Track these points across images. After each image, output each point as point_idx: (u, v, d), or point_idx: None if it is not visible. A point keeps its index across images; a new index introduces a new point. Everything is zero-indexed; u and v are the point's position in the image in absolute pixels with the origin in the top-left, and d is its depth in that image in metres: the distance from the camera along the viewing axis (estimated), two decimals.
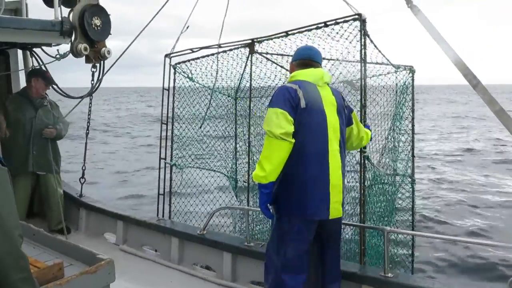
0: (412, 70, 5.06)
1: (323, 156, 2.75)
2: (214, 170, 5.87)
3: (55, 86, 4.91)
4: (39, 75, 4.95)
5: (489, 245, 3.21)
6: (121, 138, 23.51)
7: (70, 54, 4.42)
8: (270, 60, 5.13)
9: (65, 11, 4.37)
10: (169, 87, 5.36)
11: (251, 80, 5.22)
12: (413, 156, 4.97)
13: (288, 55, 4.75)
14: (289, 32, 4.24)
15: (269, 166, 2.66)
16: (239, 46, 4.99)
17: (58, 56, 4.45)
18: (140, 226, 4.81)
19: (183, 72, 5.55)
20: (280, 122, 2.64)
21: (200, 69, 5.50)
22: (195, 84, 5.68)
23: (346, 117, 3.01)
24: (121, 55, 4.83)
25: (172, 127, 5.45)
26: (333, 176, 2.76)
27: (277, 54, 4.95)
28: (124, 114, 39.12)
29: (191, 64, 5.51)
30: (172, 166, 5.33)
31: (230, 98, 5.88)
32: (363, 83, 3.69)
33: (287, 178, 2.77)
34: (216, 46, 5.02)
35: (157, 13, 5.13)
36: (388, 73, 4.83)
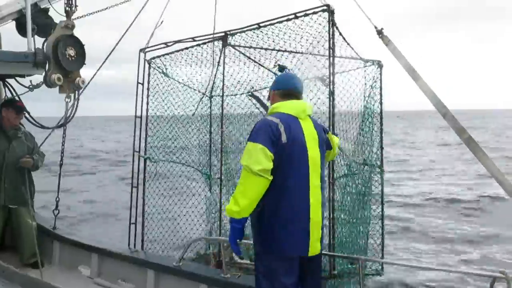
0: (380, 65, 5.12)
1: (304, 192, 2.70)
2: (188, 165, 5.78)
3: (28, 116, 4.86)
4: (10, 105, 4.88)
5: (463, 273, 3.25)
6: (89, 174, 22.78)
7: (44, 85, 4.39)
8: (243, 54, 5.12)
9: (39, 40, 4.38)
10: (143, 81, 5.31)
11: (224, 75, 5.14)
12: (381, 147, 4.99)
13: (261, 48, 4.78)
14: (261, 25, 4.29)
15: (243, 201, 2.59)
16: (212, 39, 4.93)
17: (31, 86, 4.42)
18: (114, 259, 4.70)
19: (158, 67, 5.49)
20: (259, 158, 2.56)
21: (175, 63, 5.47)
22: (169, 80, 5.67)
23: (326, 147, 2.99)
24: (88, 82, 4.75)
25: (146, 122, 5.38)
26: (314, 212, 2.70)
27: (251, 47, 4.92)
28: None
29: (165, 59, 5.46)
30: (145, 160, 5.25)
31: (204, 95, 5.77)
32: (331, 78, 3.76)
33: (266, 214, 2.71)
34: (190, 40, 4.98)
35: (123, 35, 5.19)
36: (357, 68, 4.87)
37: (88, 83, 4.82)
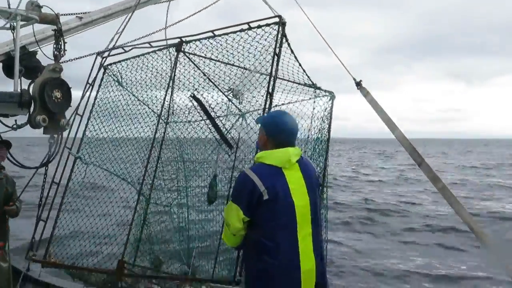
0: (332, 96, 5.20)
1: (291, 245, 2.64)
2: (118, 176, 5.21)
3: (9, 156, 4.82)
4: (2, 142, 4.82)
5: None
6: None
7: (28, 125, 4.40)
8: (196, 65, 4.98)
9: (25, 82, 4.42)
10: (93, 83, 5.05)
11: (172, 89, 4.91)
12: (325, 168, 5.13)
13: (216, 60, 4.69)
14: (216, 33, 4.24)
15: (230, 244, 2.91)
16: (167, 46, 4.78)
17: (15, 126, 4.42)
18: None
19: (113, 75, 5.26)
20: (233, 219, 2.71)
21: (131, 71, 5.22)
22: (123, 92, 5.36)
23: (319, 188, 2.95)
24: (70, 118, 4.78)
25: (87, 123, 5.09)
26: (304, 262, 2.65)
27: (205, 57, 4.76)
28: None
29: (122, 66, 5.23)
30: (75, 160, 4.94)
31: (157, 118, 5.17)
32: (271, 86, 3.82)
33: (255, 272, 2.71)
34: (147, 45, 4.80)
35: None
36: (309, 98, 4.94)
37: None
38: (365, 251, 11.01)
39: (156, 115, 5.28)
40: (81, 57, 5.28)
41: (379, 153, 72.10)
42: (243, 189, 2.69)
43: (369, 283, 8.86)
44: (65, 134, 4.72)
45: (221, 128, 4.81)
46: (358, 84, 4.13)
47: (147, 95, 5.46)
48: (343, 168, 37.53)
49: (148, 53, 4.94)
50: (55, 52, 4.47)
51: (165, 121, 5.25)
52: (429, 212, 16.01)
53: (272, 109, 3.86)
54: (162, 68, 5.06)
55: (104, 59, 5.13)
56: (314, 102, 5.04)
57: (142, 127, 5.38)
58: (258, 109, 4.42)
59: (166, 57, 4.92)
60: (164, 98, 4.91)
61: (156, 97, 5.39)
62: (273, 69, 3.85)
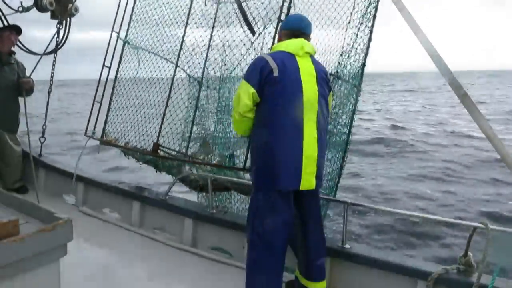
0: None
1: (297, 126, 2.68)
2: (171, 62, 4.65)
3: (19, 43, 4.72)
4: (10, 27, 4.67)
5: (436, 221, 3.38)
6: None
7: (34, 8, 4.24)
8: None
9: None
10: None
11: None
12: (363, 65, 4.21)
13: None
14: None
15: (239, 133, 3.03)
16: None
17: (20, 8, 4.26)
18: (100, 188, 4.74)
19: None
20: (243, 97, 2.71)
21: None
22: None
23: (328, 88, 2.92)
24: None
25: (134, 5, 4.80)
26: (307, 147, 2.69)
27: None
28: None
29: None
30: (124, 44, 4.77)
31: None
32: None
33: (260, 149, 2.78)
34: None
35: None
36: None
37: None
38: None
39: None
40: None
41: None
42: (255, 66, 2.74)
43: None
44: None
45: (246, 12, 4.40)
46: None
47: None
48: None
49: None
50: None
51: None
52: None
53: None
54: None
55: None
56: None
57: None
58: None
59: None
60: None
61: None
62: None
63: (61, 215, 2.22)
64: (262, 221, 2.72)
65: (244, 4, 4.27)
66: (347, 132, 4.06)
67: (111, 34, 4.77)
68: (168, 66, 4.61)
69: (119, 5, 4.75)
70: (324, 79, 2.87)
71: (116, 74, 4.87)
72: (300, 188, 2.70)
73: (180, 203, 4.20)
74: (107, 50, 4.80)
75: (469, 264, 2.83)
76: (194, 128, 4.53)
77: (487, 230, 2.61)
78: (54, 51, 4.61)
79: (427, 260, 4.86)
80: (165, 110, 4.44)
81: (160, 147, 4.43)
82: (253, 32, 4.39)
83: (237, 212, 4.23)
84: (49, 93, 5.18)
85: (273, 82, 2.67)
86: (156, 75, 4.67)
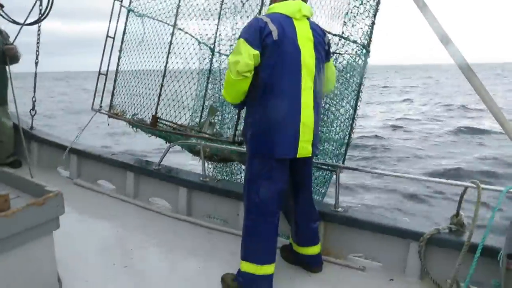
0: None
1: (295, 93, 2.62)
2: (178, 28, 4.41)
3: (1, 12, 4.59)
4: None
5: (429, 181, 3.41)
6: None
7: None
8: None
9: None
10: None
11: None
12: (373, 23, 3.90)
13: None
14: None
15: (228, 98, 2.78)
16: None
17: None
18: (94, 160, 4.73)
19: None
20: (243, 55, 2.54)
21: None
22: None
23: (325, 53, 2.83)
24: None
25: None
26: (305, 115, 2.64)
27: None
28: None
29: None
30: (128, 12, 4.63)
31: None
32: None
33: (256, 115, 2.70)
34: None
35: None
36: None
37: None
38: None
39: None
40: None
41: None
42: (255, 27, 2.60)
43: None
44: None
45: None
46: None
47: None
48: None
49: None
50: None
51: None
52: None
53: None
54: None
55: None
56: None
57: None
58: None
59: None
60: None
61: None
62: None
63: (52, 188, 2.21)
64: (258, 188, 2.71)
65: None
66: (355, 97, 3.95)
67: (114, 2, 4.63)
68: (179, 34, 4.38)
69: None
70: (321, 44, 2.77)
71: (121, 43, 4.76)
72: (297, 156, 2.68)
73: (174, 172, 4.20)
74: (111, 17, 4.69)
75: (461, 223, 2.87)
76: (206, 103, 4.46)
77: (478, 189, 2.62)
78: (38, 20, 4.48)
79: (420, 222, 4.94)
80: (163, 80, 4.31)
81: (159, 120, 4.36)
82: None
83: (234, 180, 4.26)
84: (36, 64, 5.08)
85: (272, 45, 2.57)
86: (164, 43, 4.44)
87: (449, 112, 24.59)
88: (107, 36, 4.73)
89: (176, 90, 4.29)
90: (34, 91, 5.25)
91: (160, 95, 4.32)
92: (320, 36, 2.77)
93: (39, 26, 4.71)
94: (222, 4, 4.23)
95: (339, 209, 3.25)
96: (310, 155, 2.76)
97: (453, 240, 2.78)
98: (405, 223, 3.18)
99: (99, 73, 4.84)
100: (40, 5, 4.35)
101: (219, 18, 4.27)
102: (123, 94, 4.85)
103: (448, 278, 2.65)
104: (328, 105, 3.85)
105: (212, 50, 4.48)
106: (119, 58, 4.77)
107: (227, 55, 4.29)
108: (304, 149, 2.69)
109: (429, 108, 26.89)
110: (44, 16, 4.43)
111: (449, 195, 7.12)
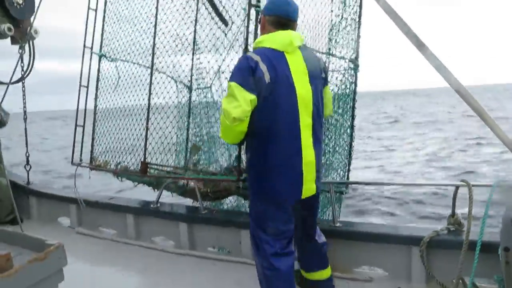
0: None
1: (294, 133, 2.52)
2: (160, 71, 4.40)
3: None
4: None
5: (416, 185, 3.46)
6: None
7: None
8: None
9: None
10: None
11: None
12: (358, 36, 4.02)
13: None
14: None
15: (228, 141, 2.74)
16: None
17: None
18: (93, 207, 4.75)
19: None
20: (238, 101, 2.41)
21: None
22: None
23: (322, 82, 2.73)
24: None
25: (104, 16, 4.65)
26: (306, 153, 2.54)
27: None
28: None
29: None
30: (100, 58, 4.60)
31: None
32: None
33: (256, 160, 2.61)
34: None
35: None
36: None
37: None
38: None
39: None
40: None
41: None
42: (245, 68, 2.46)
43: None
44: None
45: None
46: None
47: None
48: None
49: None
50: None
51: None
52: None
53: None
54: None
55: None
56: None
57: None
58: None
59: None
60: None
61: None
62: None
63: (52, 241, 2.23)
64: (266, 228, 2.63)
65: None
66: (350, 116, 3.92)
67: (84, 50, 4.62)
68: (158, 74, 4.34)
69: (87, 20, 4.63)
70: (317, 73, 2.66)
71: (96, 91, 4.73)
72: (302, 197, 2.61)
73: (172, 208, 4.23)
74: (82, 67, 4.67)
75: (458, 222, 2.91)
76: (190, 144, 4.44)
77: (469, 187, 2.67)
78: (22, 78, 4.56)
79: (421, 225, 4.95)
80: (147, 123, 4.24)
81: (148, 165, 4.26)
82: (225, 23, 4.11)
83: (227, 208, 4.29)
84: (25, 120, 5.14)
85: (265, 88, 2.45)
86: (142, 84, 4.38)
87: None
88: (80, 85, 4.69)
89: (164, 133, 4.22)
90: (27, 146, 5.29)
91: (146, 138, 4.21)
92: (314, 66, 2.65)
93: (23, 83, 4.78)
94: (194, 40, 4.28)
95: (338, 224, 3.29)
96: (315, 193, 2.69)
97: (453, 240, 2.82)
98: (405, 229, 3.22)
99: (76, 125, 4.78)
100: (22, 62, 4.42)
101: (193, 54, 4.29)
102: (104, 143, 4.75)
103: (453, 278, 2.67)
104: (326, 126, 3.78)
105: (190, 88, 4.48)
106: (95, 107, 4.75)
107: (208, 88, 4.32)
108: (309, 189, 2.61)
109: None
110: (27, 73, 4.52)
111: (442, 196, 7.12)
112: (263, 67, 2.44)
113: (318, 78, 2.66)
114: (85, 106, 4.78)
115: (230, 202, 4.47)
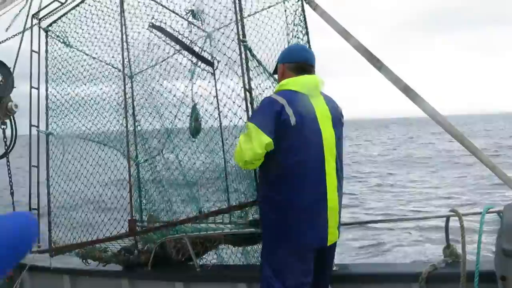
0: None
1: (319, 177, 2.46)
2: (105, 144, 4.29)
3: None
4: None
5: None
6: None
7: None
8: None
9: None
10: (39, 51, 4.34)
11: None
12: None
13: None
14: None
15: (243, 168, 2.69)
16: None
17: None
18: (87, 276, 4.63)
19: (57, 36, 4.46)
20: (255, 144, 2.36)
21: (76, 26, 4.34)
22: (72, 52, 4.43)
23: (342, 125, 2.71)
24: None
25: (47, 95, 4.41)
26: (331, 199, 2.48)
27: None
28: None
29: (64, 23, 4.42)
30: (48, 136, 4.35)
31: (120, 72, 4.17)
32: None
33: (281, 204, 2.49)
34: None
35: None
36: (276, 3, 3.67)
37: None
38: None
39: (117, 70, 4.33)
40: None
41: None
42: (270, 111, 2.42)
43: None
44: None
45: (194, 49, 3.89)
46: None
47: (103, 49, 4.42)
48: None
49: None
50: None
51: (128, 75, 4.31)
52: None
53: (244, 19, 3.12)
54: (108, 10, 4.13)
55: (42, 20, 4.39)
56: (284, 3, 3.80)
57: (107, 86, 4.43)
58: (226, 24, 3.44)
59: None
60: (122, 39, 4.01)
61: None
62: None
63: None
64: (284, 281, 2.48)
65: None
66: None
67: (30, 129, 4.33)
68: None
69: (30, 96, 4.34)
70: (338, 117, 2.65)
71: (48, 172, 4.43)
72: (328, 244, 2.53)
73: (166, 268, 4.13)
74: (30, 147, 4.37)
75: (455, 254, 2.86)
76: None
77: (459, 216, 2.64)
78: (5, 154, 4.55)
79: (418, 260, 4.87)
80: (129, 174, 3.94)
81: (137, 223, 4.03)
82: (210, 64, 3.72)
83: (221, 261, 4.19)
84: (12, 194, 5.06)
85: (290, 130, 2.40)
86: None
87: None
88: (30, 166, 4.40)
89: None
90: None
91: (131, 193, 3.94)
92: (336, 110, 2.65)
93: (7, 159, 4.76)
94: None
95: (335, 268, 3.21)
96: (337, 239, 2.63)
97: (451, 273, 2.76)
98: (403, 266, 3.15)
99: (30, 207, 4.46)
100: (4, 137, 4.44)
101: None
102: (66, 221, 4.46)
103: None
104: None
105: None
106: (48, 186, 4.45)
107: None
108: (333, 234, 2.54)
109: None
110: (10, 148, 4.52)
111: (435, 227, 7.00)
112: (289, 110, 2.41)
113: (339, 122, 2.66)
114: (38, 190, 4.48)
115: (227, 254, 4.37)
